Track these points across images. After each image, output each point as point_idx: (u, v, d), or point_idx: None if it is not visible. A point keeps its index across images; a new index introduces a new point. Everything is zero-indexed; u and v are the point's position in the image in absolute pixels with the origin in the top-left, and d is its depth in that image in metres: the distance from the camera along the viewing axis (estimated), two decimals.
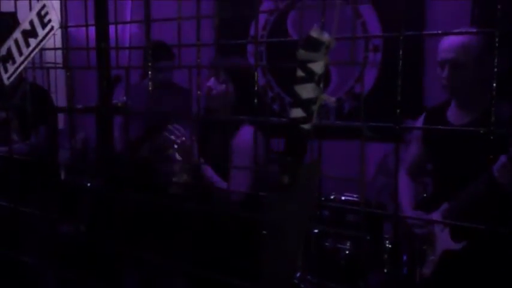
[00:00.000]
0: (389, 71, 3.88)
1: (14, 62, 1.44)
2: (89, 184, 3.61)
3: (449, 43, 2.05)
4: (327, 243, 3.17)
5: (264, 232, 1.04)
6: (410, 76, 3.65)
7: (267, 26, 4.42)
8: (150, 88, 1.40)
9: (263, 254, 1.05)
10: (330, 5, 0.97)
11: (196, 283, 2.15)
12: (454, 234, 2.08)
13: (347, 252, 3.12)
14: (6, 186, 3.05)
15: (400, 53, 0.90)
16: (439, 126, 2.20)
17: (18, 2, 1.50)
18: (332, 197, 3.24)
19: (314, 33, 0.93)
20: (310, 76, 0.94)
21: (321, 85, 0.95)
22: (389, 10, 3.86)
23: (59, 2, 1.41)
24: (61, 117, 3.39)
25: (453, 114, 2.18)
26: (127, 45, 4.90)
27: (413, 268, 2.22)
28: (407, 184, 2.36)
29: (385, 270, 2.93)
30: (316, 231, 3.08)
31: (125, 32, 4.94)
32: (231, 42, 3.62)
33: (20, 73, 1.46)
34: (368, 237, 3.04)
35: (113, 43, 1.39)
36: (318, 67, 0.93)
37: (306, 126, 0.95)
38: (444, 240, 2.10)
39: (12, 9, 1.53)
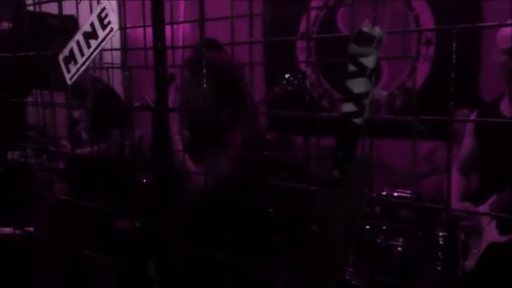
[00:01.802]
0: (442, 65, 3.78)
1: (76, 62, 1.51)
2: (144, 180, 3.71)
3: (505, 32, 2.09)
4: (379, 240, 3.14)
5: (314, 226, 1.05)
6: (466, 70, 3.56)
7: (316, 22, 4.40)
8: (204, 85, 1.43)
9: (313, 248, 1.06)
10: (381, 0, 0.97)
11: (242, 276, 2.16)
12: (501, 227, 2.08)
13: (399, 249, 3.08)
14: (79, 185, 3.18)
15: (454, 46, 0.89)
16: (485, 118, 2.24)
17: (79, 5, 1.57)
18: (384, 193, 3.20)
19: (365, 28, 0.93)
20: (361, 70, 0.95)
21: (373, 79, 0.95)
22: (443, 3, 3.76)
23: (117, 3, 1.47)
24: None
25: (506, 106, 2.20)
26: (180, 43, 5.00)
27: (456, 261, 2.22)
28: (456, 180, 2.36)
29: (439, 268, 2.88)
30: (367, 227, 3.05)
31: (178, 30, 5.05)
32: (280, 39, 3.62)
33: (87, 73, 1.53)
34: (421, 234, 2.99)
35: (168, 43, 1.44)
36: (369, 61, 0.94)
37: (358, 120, 0.96)
38: (490, 233, 2.10)
39: (74, 13, 1.60)
